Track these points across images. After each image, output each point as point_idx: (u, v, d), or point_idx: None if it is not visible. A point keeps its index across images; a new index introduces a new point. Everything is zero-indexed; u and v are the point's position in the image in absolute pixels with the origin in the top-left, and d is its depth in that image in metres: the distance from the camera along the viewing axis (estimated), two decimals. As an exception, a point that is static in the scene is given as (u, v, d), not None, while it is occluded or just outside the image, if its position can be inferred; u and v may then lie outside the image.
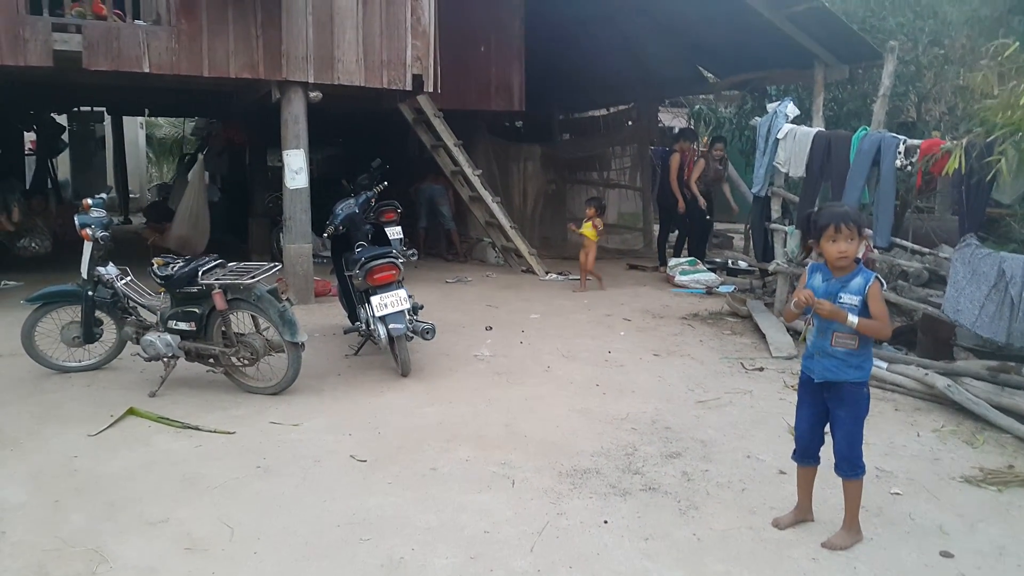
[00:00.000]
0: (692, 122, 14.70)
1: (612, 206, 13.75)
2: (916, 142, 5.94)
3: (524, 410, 4.94)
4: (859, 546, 3.24)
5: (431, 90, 8.62)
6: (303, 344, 5.04)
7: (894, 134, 6.28)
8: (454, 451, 4.24)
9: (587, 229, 8.97)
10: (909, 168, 5.93)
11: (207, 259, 5.28)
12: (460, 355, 6.20)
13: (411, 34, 8.26)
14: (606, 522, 3.45)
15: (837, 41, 8.79)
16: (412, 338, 5.59)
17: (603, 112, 14.49)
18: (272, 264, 5.34)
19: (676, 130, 13.18)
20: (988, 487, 3.85)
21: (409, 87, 8.41)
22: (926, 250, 6.17)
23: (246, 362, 5.19)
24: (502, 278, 9.39)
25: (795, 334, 6.50)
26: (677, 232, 11.12)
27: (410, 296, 5.67)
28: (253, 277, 4.97)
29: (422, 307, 6.02)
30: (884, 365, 5.55)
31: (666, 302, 8.50)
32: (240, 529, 3.36)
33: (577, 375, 5.73)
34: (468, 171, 9.88)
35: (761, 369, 5.91)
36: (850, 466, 3.28)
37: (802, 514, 3.46)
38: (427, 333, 5.55)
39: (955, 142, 5.45)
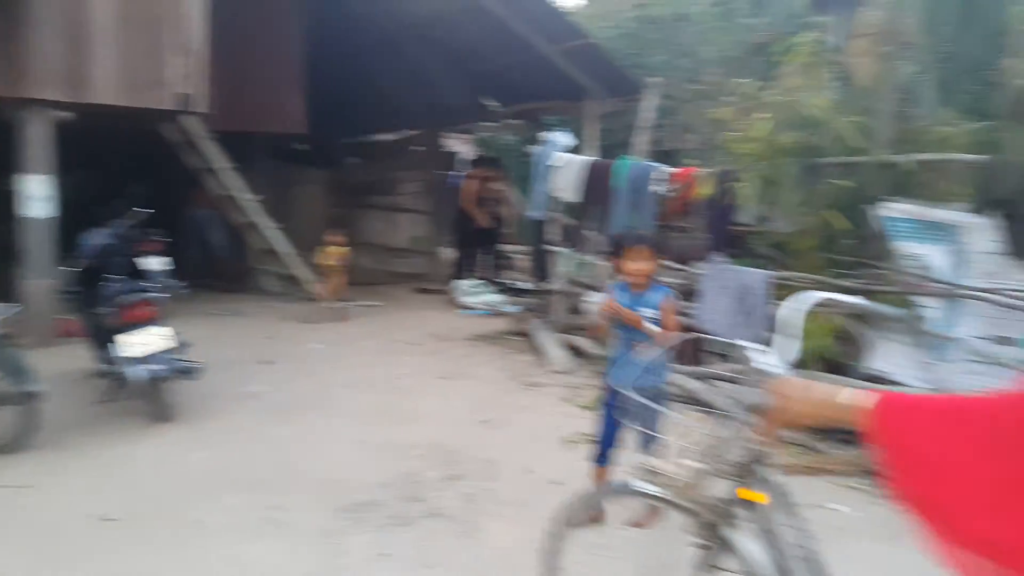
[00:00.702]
0: (479, 149, 15.05)
1: (402, 230, 13.71)
2: (672, 170, 6.46)
3: (302, 447, 4.72)
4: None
5: (202, 111, 8.14)
6: (41, 393, 4.45)
7: (655, 163, 6.78)
8: (222, 499, 3.95)
9: (331, 257, 8.83)
10: (666, 193, 6.42)
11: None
12: (233, 394, 5.81)
13: (178, 52, 7.76)
14: (387, 555, 3.36)
15: (607, 76, 9.37)
16: (175, 379, 5.13)
17: (391, 137, 14.46)
18: (11, 305, 4.72)
19: (474, 157, 13.41)
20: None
21: (176, 107, 7.89)
22: (679, 266, 6.70)
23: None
24: (283, 308, 9.01)
25: (571, 350, 6.80)
26: (462, 255, 11.28)
27: (176, 333, 5.24)
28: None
29: (188, 345, 5.58)
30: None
31: (454, 324, 8.56)
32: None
33: (361, 405, 5.59)
34: (242, 196, 9.40)
35: (540, 385, 6.10)
36: None
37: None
38: (192, 373, 5.14)
39: (705, 170, 5.99)
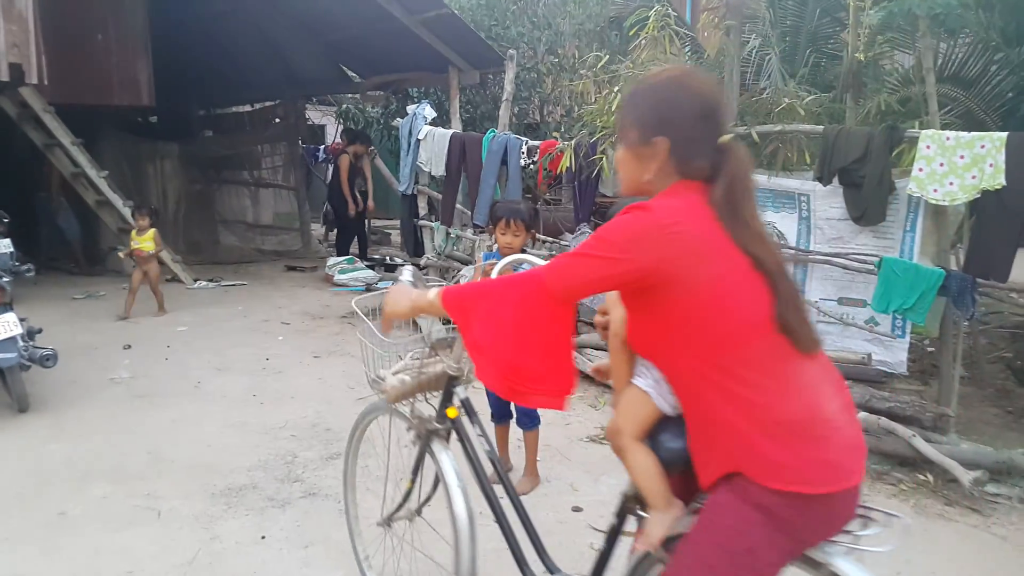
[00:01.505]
0: (341, 121, 14.74)
1: (266, 207, 13.31)
2: (536, 143, 6.60)
3: (171, 433, 4.58)
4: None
5: (35, 81, 7.58)
6: None
7: (518, 135, 6.91)
8: (87, 490, 3.80)
9: (145, 241, 7.78)
10: (532, 166, 6.57)
11: None
12: (92, 380, 5.55)
13: (3, 18, 7.16)
14: (264, 537, 3.36)
15: (467, 47, 9.38)
16: (29, 367, 4.85)
17: (248, 109, 13.92)
18: None
19: (340, 131, 13.07)
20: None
21: (7, 78, 7.31)
22: (549, 239, 6.88)
23: None
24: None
25: (446, 323, 6.87)
26: (339, 232, 11.04)
27: (23, 319, 4.93)
28: None
29: (40, 331, 5.26)
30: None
31: (326, 302, 8.44)
32: None
33: (231, 388, 5.46)
34: (91, 173, 8.84)
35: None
36: (529, 419, 3.78)
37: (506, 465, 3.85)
38: (47, 360, 4.86)
39: (567, 143, 6.15)
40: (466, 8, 10.72)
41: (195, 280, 9.32)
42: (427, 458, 2.46)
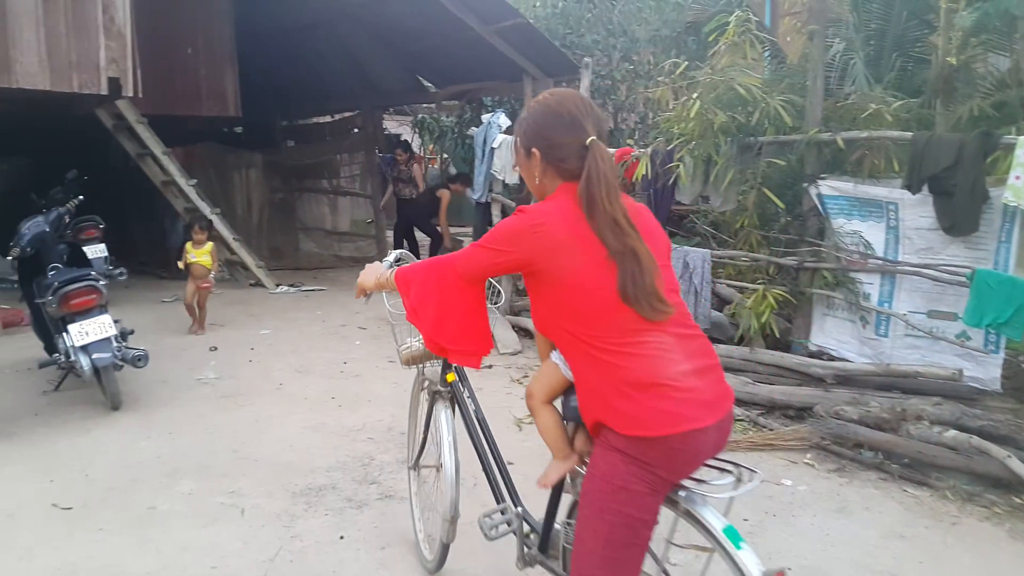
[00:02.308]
0: (416, 130, 14.98)
1: (344, 214, 13.61)
2: (611, 150, 6.55)
3: (254, 433, 4.73)
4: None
5: (131, 94, 7.95)
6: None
7: (594, 143, 6.88)
8: (175, 486, 3.95)
9: (202, 255, 7.34)
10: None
11: None
12: (181, 380, 5.78)
13: (104, 34, 7.56)
14: (342, 537, 3.42)
15: (541, 56, 9.43)
16: (122, 367, 5.09)
17: (328, 119, 14.29)
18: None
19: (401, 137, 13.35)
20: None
21: (105, 91, 7.70)
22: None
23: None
24: (228, 294, 8.89)
25: (519, 331, 6.91)
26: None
27: (117, 321, 5.18)
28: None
29: (132, 332, 5.51)
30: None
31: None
32: (-92, 611, 2.88)
33: (311, 390, 5.60)
34: (181, 181, 9.23)
35: (490, 367, 6.18)
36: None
37: None
38: (139, 360, 5.08)
39: (643, 150, 6.10)
40: (541, 17, 10.76)
41: (277, 285, 9.60)
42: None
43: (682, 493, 1.93)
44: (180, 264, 7.37)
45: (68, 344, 4.95)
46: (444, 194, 10.45)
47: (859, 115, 5.27)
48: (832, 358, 5.17)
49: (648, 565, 2.03)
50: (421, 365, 3.02)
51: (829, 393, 4.77)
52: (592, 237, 1.86)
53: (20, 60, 7.16)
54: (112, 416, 5.01)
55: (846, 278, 5.11)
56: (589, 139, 1.94)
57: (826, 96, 5.48)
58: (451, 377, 2.80)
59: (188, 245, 7.34)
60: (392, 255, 2.85)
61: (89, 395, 5.31)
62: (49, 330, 5.38)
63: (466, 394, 2.81)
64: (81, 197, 6.19)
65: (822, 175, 5.24)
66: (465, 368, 2.81)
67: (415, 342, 2.89)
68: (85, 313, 4.96)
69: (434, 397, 2.96)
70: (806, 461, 4.31)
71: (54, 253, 5.38)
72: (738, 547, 1.82)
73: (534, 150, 2.03)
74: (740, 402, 5.01)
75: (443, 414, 2.85)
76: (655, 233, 2.01)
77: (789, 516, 3.66)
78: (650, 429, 1.79)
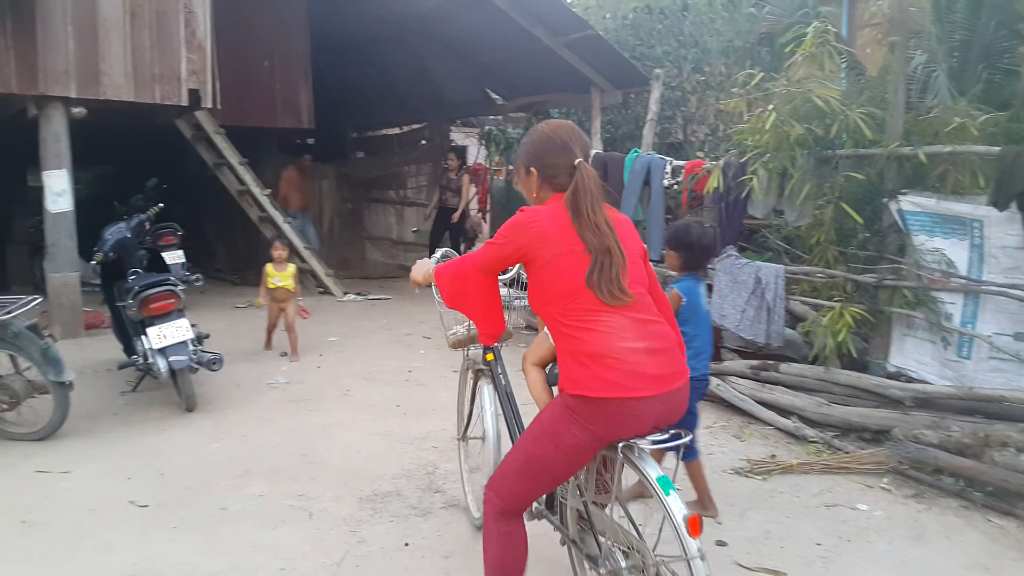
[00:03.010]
0: (483, 142, 15.07)
1: (409, 224, 13.79)
2: (681, 163, 6.48)
3: (322, 437, 4.80)
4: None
5: (210, 106, 8.21)
6: (71, 383, 4.59)
7: (662, 155, 6.81)
8: (246, 487, 4.03)
9: (286, 279, 6.72)
10: (676, 186, 6.45)
11: (-50, 295, 4.69)
12: (252, 384, 5.92)
13: (185, 47, 7.83)
14: (407, 544, 3.43)
15: (610, 68, 9.39)
16: (197, 370, 5.23)
17: (397, 131, 14.51)
18: (32, 297, 4.81)
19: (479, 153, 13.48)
20: (754, 477, 4.25)
21: (185, 102, 7.96)
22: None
23: (5, 407, 4.66)
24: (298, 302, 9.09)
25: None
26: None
27: (193, 325, 5.33)
28: (8, 312, 4.47)
29: (207, 336, 5.68)
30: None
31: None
32: (-2, 597, 2.99)
33: (377, 397, 5.66)
34: (256, 190, 9.49)
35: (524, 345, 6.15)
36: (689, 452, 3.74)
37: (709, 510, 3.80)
38: (214, 364, 5.23)
39: (714, 163, 6.00)
40: (611, 29, 10.73)
41: (345, 293, 9.77)
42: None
43: (628, 449, 2.27)
44: (259, 296, 6.74)
45: (146, 346, 5.12)
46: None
47: (942, 129, 5.07)
48: (911, 380, 4.97)
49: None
50: (466, 348, 3.41)
51: (907, 416, 4.58)
52: (574, 235, 2.28)
53: (108, 73, 7.46)
54: (187, 417, 5.15)
55: (927, 297, 4.92)
56: (577, 160, 2.38)
57: (907, 109, 5.30)
58: (490, 357, 3.16)
59: (269, 267, 6.66)
60: (439, 252, 3.29)
61: (165, 396, 5.48)
62: (128, 333, 5.58)
63: (500, 371, 3.15)
64: (160, 204, 6.41)
65: (903, 190, 5.06)
66: (501, 349, 3.17)
67: (461, 328, 3.29)
68: (163, 317, 5.12)
69: (477, 375, 3.39)
70: (882, 486, 4.15)
71: (134, 258, 5.58)
72: (667, 493, 2.19)
73: (532, 169, 2.47)
74: (813, 423, 4.87)
75: (486, 390, 3.24)
76: (629, 238, 2.41)
77: (864, 542, 3.53)
78: (590, 391, 2.19)
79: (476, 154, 14.44)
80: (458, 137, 16.38)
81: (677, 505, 2.17)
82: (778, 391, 5.24)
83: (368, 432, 4.90)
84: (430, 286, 2.86)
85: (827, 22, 5.84)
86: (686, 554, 2.14)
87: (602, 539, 2.47)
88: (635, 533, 2.42)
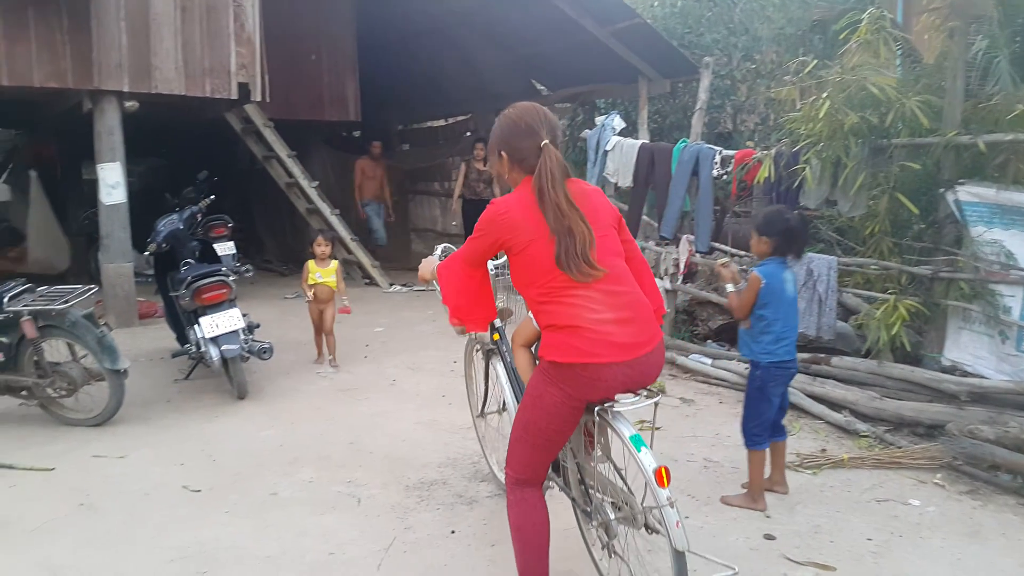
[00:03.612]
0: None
1: (454, 216, 13.84)
2: (731, 153, 6.37)
3: (369, 426, 4.86)
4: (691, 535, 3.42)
5: (259, 99, 8.35)
6: (126, 371, 4.73)
7: (711, 145, 6.70)
8: (296, 474, 4.10)
9: (328, 275, 6.22)
10: (725, 177, 6.35)
11: (12, 284, 4.85)
12: (301, 374, 6.02)
13: (235, 41, 7.96)
14: (453, 532, 3.46)
15: (658, 57, 9.29)
16: (248, 359, 5.35)
17: (441, 123, 14.56)
18: (88, 287, 4.96)
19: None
20: (804, 471, 4.18)
21: (235, 96, 8.10)
22: (743, 253, 6.61)
23: (63, 393, 4.81)
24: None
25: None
26: None
27: (244, 315, 5.43)
28: (66, 301, 4.62)
29: (258, 326, 5.79)
30: (709, 361, 5.91)
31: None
32: (64, 573, 3.10)
33: (423, 387, 5.71)
34: (304, 183, 9.62)
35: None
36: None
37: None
38: (264, 353, 5.33)
39: (765, 152, 5.89)
40: (659, 17, 10.60)
41: (390, 284, 9.85)
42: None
43: (603, 411, 2.51)
44: (305, 289, 6.20)
45: (199, 335, 5.24)
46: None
47: (1003, 117, 4.90)
48: (967, 374, 4.83)
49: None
50: (471, 333, 3.61)
51: (963, 411, 4.46)
52: (541, 219, 2.43)
53: (159, 67, 7.63)
54: (238, 405, 5.26)
55: (985, 290, 4.77)
56: (543, 143, 2.47)
57: (967, 96, 5.14)
58: (496, 336, 3.40)
59: (311, 263, 6.19)
60: (438, 249, 3.51)
61: (217, 384, 5.60)
62: (181, 322, 5.71)
63: (505, 349, 3.38)
64: (212, 196, 6.53)
65: (960, 180, 4.91)
66: (504, 328, 3.39)
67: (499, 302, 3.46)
68: (216, 307, 5.23)
69: (488, 355, 3.65)
70: (936, 481, 4.05)
71: (187, 249, 5.70)
72: (638, 450, 2.40)
73: (503, 153, 2.60)
74: (866, 417, 4.77)
75: (499, 366, 3.43)
76: (600, 209, 2.55)
77: (917, 538, 3.45)
78: (561, 357, 2.42)
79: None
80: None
81: (648, 460, 2.37)
82: (829, 385, 5.15)
83: (414, 421, 4.95)
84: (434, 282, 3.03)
85: (882, 8, 5.68)
86: (657, 503, 2.35)
87: (595, 494, 2.74)
88: (625, 487, 2.64)
